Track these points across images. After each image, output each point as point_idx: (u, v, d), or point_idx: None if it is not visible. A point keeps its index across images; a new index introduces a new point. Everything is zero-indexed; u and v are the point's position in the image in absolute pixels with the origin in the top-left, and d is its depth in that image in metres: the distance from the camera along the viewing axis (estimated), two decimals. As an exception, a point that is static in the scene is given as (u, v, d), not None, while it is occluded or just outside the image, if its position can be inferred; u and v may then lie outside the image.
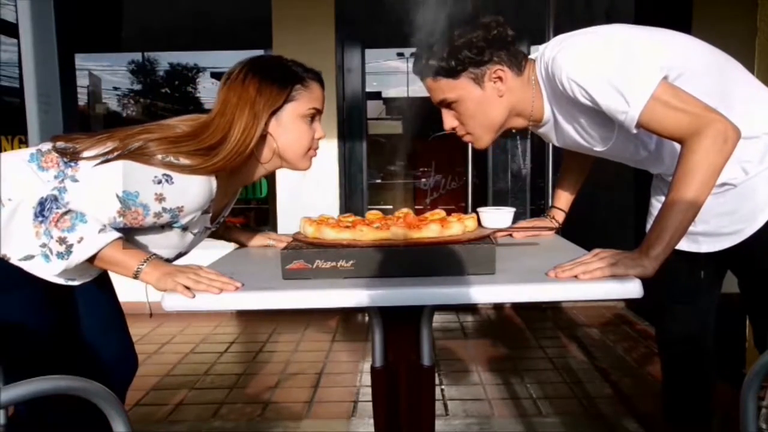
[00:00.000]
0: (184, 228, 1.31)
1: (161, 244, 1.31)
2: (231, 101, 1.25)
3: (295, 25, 3.84)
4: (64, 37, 3.51)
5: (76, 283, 1.29)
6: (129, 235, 1.27)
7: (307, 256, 1.10)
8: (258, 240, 1.58)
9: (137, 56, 5.38)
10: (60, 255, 1.14)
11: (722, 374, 1.56)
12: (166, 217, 1.22)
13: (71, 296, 1.40)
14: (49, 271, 1.19)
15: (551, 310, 3.99)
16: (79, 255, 1.14)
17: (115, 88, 5.78)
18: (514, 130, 1.42)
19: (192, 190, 1.21)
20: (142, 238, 1.29)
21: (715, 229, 1.35)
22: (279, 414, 2.48)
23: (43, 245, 1.14)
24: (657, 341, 1.63)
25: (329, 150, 3.99)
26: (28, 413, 1.29)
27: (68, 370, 1.33)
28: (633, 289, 1.04)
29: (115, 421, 0.96)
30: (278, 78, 1.29)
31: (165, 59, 5.59)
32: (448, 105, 1.32)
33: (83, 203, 1.16)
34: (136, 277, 1.16)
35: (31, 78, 3.06)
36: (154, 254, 1.18)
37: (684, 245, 1.39)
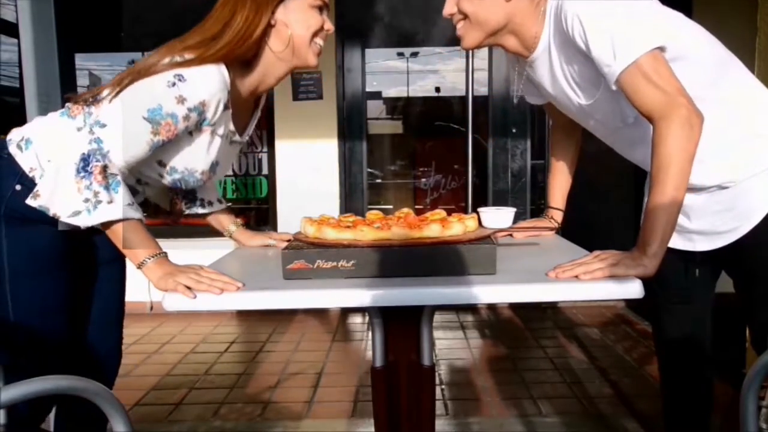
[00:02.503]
0: (212, 128, 1.30)
1: (195, 155, 1.32)
2: None
3: (295, 25, 3.84)
4: (64, 37, 3.51)
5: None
6: (163, 154, 1.29)
7: (308, 256, 1.10)
8: (258, 240, 1.57)
9: (137, 56, 5.37)
10: (89, 209, 1.15)
11: (722, 374, 1.56)
12: (194, 117, 1.23)
13: (91, 290, 1.44)
14: (89, 221, 1.18)
15: (551, 310, 3.99)
16: (103, 214, 1.14)
17: (115, 88, 5.78)
18: (505, 51, 1.40)
19: (204, 80, 1.22)
20: (175, 156, 1.30)
21: (710, 228, 1.35)
22: (279, 414, 2.49)
23: (87, 200, 1.15)
24: (654, 341, 1.63)
25: (329, 150, 3.98)
26: (28, 412, 1.29)
27: (71, 361, 1.35)
28: (633, 289, 1.04)
29: (116, 420, 0.96)
30: None
31: (165, 59, 5.60)
32: None
33: (119, 143, 1.17)
34: (139, 267, 1.16)
35: (31, 78, 3.06)
36: (164, 252, 1.18)
37: (679, 244, 1.39)
